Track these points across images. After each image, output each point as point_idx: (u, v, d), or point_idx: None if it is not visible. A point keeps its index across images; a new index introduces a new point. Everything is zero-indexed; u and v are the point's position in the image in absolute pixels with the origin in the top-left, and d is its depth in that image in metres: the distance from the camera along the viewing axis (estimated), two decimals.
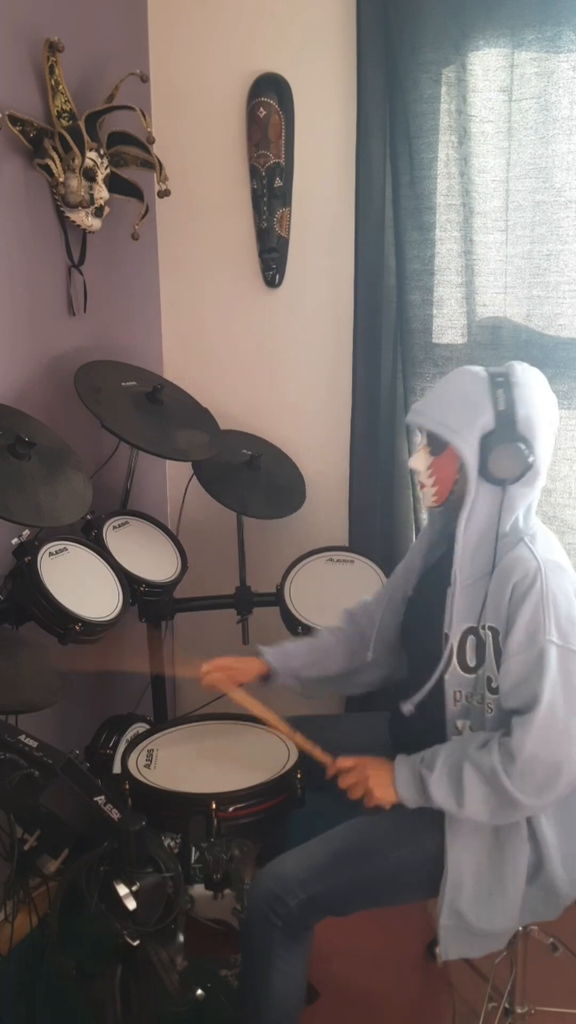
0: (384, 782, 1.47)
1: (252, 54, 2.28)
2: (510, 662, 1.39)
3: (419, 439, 1.52)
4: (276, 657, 1.76)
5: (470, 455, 1.42)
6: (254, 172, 2.31)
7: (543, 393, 1.46)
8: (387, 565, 2.17)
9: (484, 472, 1.43)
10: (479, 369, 1.47)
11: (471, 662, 1.46)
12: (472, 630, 1.46)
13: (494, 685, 1.43)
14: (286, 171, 2.29)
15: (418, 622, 1.63)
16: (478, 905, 1.43)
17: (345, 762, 1.51)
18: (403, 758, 1.49)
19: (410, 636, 1.68)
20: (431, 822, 1.47)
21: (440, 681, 1.49)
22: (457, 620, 1.47)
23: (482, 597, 1.44)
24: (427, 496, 1.54)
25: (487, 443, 1.41)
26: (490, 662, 1.43)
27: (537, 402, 1.44)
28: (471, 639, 1.46)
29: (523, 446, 1.41)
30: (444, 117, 2.07)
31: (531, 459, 1.42)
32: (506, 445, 1.41)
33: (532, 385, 1.45)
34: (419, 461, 1.53)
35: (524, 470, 1.42)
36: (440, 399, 1.48)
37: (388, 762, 1.49)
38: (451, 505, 1.53)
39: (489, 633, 1.43)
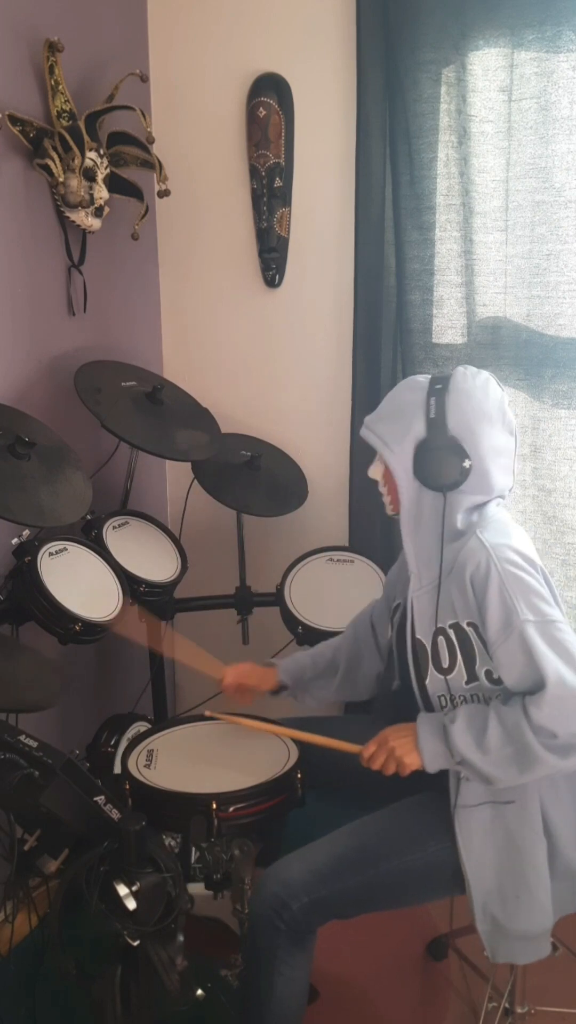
0: (408, 746, 1.44)
1: (252, 54, 2.28)
2: (497, 654, 1.39)
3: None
4: (291, 676, 1.78)
5: (398, 466, 1.45)
6: (254, 172, 2.31)
7: (482, 396, 1.45)
8: (387, 565, 2.16)
9: (422, 480, 1.45)
10: (424, 378, 1.50)
11: (444, 663, 1.46)
12: (440, 631, 1.46)
13: (495, 676, 1.43)
14: (286, 171, 2.29)
15: (400, 632, 1.62)
16: (506, 908, 1.42)
17: (369, 748, 1.48)
18: (424, 716, 1.47)
19: (398, 644, 1.66)
20: (435, 827, 1.47)
21: (423, 687, 1.49)
22: (425, 623, 1.48)
23: (446, 597, 1.45)
24: (386, 505, 1.57)
25: (419, 451, 1.44)
26: (483, 655, 1.43)
27: (474, 406, 1.44)
28: (441, 640, 1.46)
29: (454, 452, 1.43)
30: (444, 117, 2.07)
31: (467, 463, 1.43)
32: (435, 452, 1.43)
33: (469, 390, 1.45)
34: (376, 471, 1.55)
35: (461, 475, 1.44)
36: (382, 412, 1.52)
37: (408, 725, 1.47)
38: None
39: (470, 629, 1.43)
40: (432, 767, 1.42)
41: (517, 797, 1.43)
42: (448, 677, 1.46)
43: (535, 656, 1.33)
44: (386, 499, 1.56)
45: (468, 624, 1.43)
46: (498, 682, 1.42)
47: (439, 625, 1.46)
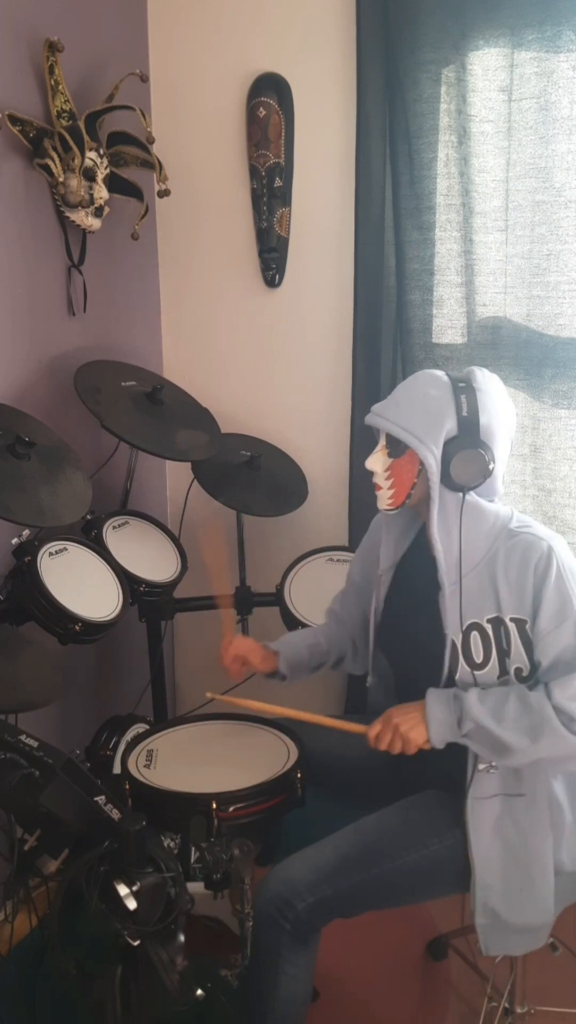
0: (414, 720, 1.44)
1: (252, 54, 2.28)
2: (544, 642, 1.40)
3: (380, 439, 1.52)
4: (291, 669, 1.76)
5: (433, 462, 1.43)
6: (254, 172, 2.31)
7: (503, 401, 1.48)
8: None
9: (445, 478, 1.44)
10: (440, 373, 1.49)
11: (477, 658, 1.46)
12: (474, 626, 1.46)
13: (524, 674, 1.44)
14: (286, 171, 2.29)
15: (404, 627, 1.62)
16: (509, 902, 1.43)
17: (375, 727, 1.49)
18: (434, 689, 1.47)
19: (396, 642, 1.66)
20: (439, 825, 1.47)
21: (450, 682, 1.48)
22: (455, 619, 1.47)
23: (481, 592, 1.45)
24: (382, 498, 1.53)
25: (449, 449, 1.43)
26: (517, 653, 1.43)
27: (499, 409, 1.46)
28: (474, 635, 1.46)
29: (484, 452, 1.43)
30: (444, 117, 2.07)
31: (491, 466, 1.44)
32: (468, 451, 1.42)
33: (493, 392, 1.47)
34: (376, 462, 1.51)
35: (485, 477, 1.44)
36: (402, 403, 1.48)
37: (413, 704, 1.47)
38: (405, 509, 1.54)
39: (512, 624, 1.43)
40: (438, 738, 1.42)
41: (528, 791, 1.45)
42: (480, 672, 1.46)
43: None
44: (386, 492, 1.51)
45: (512, 620, 1.43)
46: (527, 679, 1.44)
47: (473, 620, 1.46)
